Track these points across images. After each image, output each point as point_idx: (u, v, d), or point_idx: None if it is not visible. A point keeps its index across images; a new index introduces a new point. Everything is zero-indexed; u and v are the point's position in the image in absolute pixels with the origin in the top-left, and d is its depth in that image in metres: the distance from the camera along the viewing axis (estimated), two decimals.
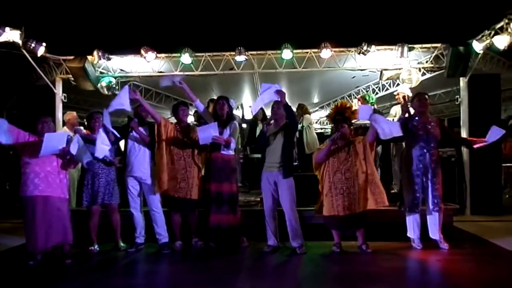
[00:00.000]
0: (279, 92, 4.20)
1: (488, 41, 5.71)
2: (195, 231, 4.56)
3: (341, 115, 4.23)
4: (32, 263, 3.90)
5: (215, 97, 6.89)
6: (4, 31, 5.39)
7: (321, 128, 13.13)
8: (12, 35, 5.51)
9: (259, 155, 6.46)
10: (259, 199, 5.44)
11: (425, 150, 4.08)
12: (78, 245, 4.29)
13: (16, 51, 5.98)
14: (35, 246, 3.85)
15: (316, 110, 12.26)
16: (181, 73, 4.58)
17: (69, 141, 3.92)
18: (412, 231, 4.24)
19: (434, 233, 4.17)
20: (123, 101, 4.15)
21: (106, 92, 7.16)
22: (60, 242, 3.97)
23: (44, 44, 6.01)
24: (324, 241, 4.45)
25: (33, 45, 5.84)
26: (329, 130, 8.71)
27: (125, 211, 4.55)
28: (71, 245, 4.08)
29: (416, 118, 4.20)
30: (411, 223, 4.23)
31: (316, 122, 12.89)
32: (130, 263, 4.12)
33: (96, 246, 4.42)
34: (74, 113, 6.21)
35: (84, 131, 6.09)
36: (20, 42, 5.64)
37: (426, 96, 4.25)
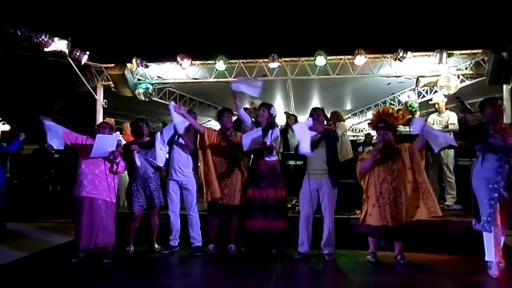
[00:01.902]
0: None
1: None
2: (233, 237, 4.58)
3: (384, 122, 4.07)
4: (74, 261, 4.09)
5: (247, 105, 7.03)
6: (53, 41, 5.74)
7: (354, 136, 12.93)
8: (60, 44, 5.86)
9: (292, 162, 6.50)
10: (289, 206, 5.43)
11: (503, 162, 3.60)
12: (116, 245, 4.46)
13: (62, 60, 6.36)
14: (78, 244, 4.04)
15: (349, 117, 12.09)
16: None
17: (119, 145, 4.12)
18: (491, 255, 3.64)
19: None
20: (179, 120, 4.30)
21: (143, 98, 7.43)
22: (103, 245, 4.12)
23: (87, 52, 6.34)
24: (356, 250, 4.39)
25: (77, 53, 6.17)
26: (362, 137, 8.57)
27: (162, 214, 4.69)
28: (113, 246, 4.23)
29: (491, 126, 3.72)
30: (489, 243, 3.65)
31: (349, 130, 12.71)
32: (164, 265, 4.24)
33: (132, 247, 4.58)
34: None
35: (122, 138, 6.36)
36: (66, 51, 5.99)
37: (500, 102, 3.86)
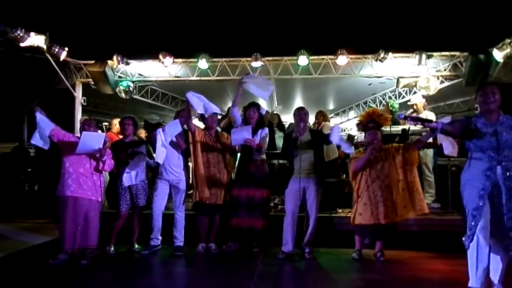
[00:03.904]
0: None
1: (508, 49, 5.61)
2: (214, 236, 4.58)
3: (374, 123, 4.16)
4: (52, 262, 3.96)
5: (229, 104, 6.98)
6: (29, 36, 5.57)
7: None
8: (37, 40, 5.69)
9: (276, 161, 6.49)
10: (272, 204, 5.44)
11: (495, 163, 2.90)
12: (97, 246, 4.36)
13: (39, 56, 6.17)
14: (62, 245, 3.93)
15: (332, 117, 12.20)
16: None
17: (105, 142, 4.03)
18: (470, 277, 2.95)
19: (495, 274, 2.94)
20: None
21: (124, 96, 7.31)
22: (87, 246, 4.01)
23: (66, 48, 6.18)
24: (339, 248, 4.44)
25: (56, 49, 6.01)
26: (345, 137, 8.63)
27: (145, 213, 4.64)
28: (94, 248, 4.11)
29: (481, 119, 3.01)
30: (469, 262, 2.96)
31: None
32: (144, 265, 4.17)
33: (112, 248, 4.49)
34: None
35: (107, 137, 6.23)
36: (44, 47, 5.82)
37: (495, 89, 3.00)
